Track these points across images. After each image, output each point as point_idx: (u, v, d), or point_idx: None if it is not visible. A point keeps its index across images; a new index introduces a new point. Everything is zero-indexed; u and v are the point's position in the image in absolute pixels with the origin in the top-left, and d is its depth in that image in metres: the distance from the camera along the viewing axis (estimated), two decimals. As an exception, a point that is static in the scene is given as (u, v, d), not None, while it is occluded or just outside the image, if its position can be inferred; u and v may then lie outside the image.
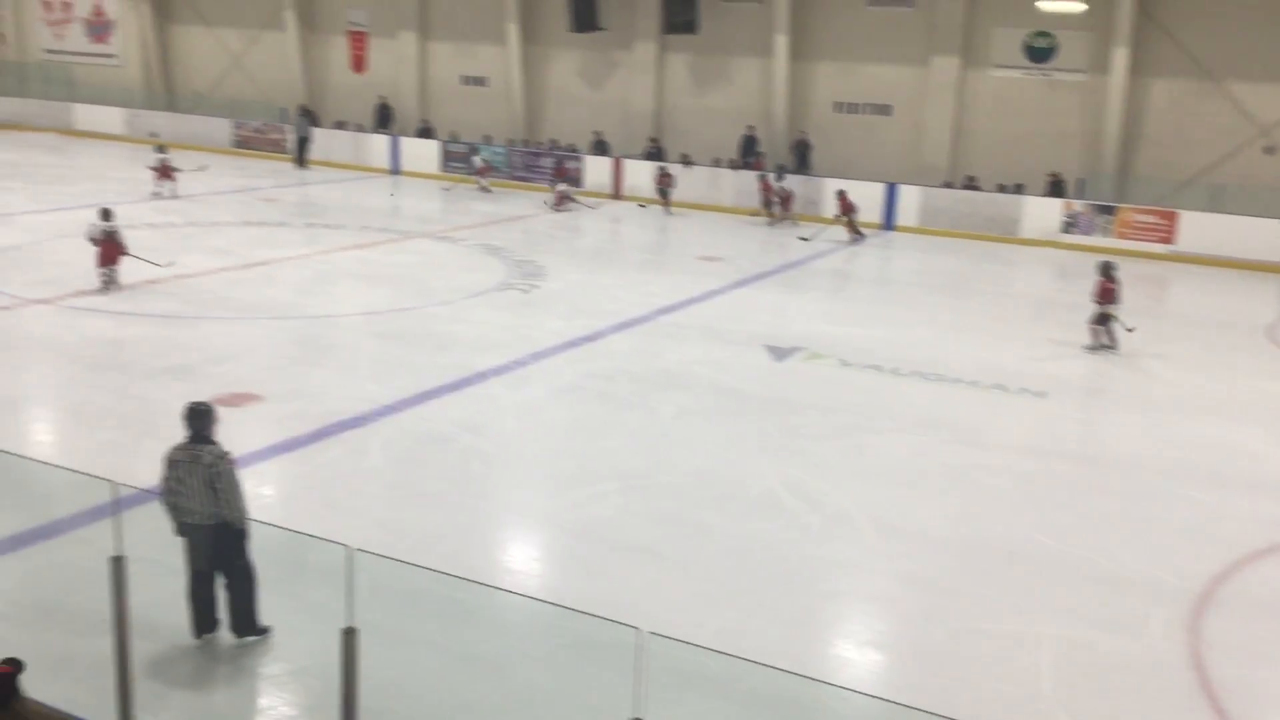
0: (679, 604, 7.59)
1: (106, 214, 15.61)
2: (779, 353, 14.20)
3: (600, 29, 28.33)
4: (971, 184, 25.48)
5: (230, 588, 6.60)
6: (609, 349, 14.12)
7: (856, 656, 7.29)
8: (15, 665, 4.76)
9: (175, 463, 6.50)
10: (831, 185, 25.03)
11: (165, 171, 24.15)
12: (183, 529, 6.53)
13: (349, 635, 4.58)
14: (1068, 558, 8.66)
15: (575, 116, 30.35)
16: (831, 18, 27.14)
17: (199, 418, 6.62)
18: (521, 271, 18.42)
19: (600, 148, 29.16)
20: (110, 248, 15.34)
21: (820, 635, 7.58)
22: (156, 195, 23.72)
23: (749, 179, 26.48)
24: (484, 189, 28.07)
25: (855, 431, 11.47)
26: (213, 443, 6.56)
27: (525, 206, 26.18)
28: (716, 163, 27.62)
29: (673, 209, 26.06)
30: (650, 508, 9.28)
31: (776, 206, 25.17)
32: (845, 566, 8.43)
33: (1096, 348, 14.96)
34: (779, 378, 13.26)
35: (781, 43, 27.26)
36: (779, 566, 8.29)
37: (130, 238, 15.86)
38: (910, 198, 25.26)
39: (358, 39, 32.84)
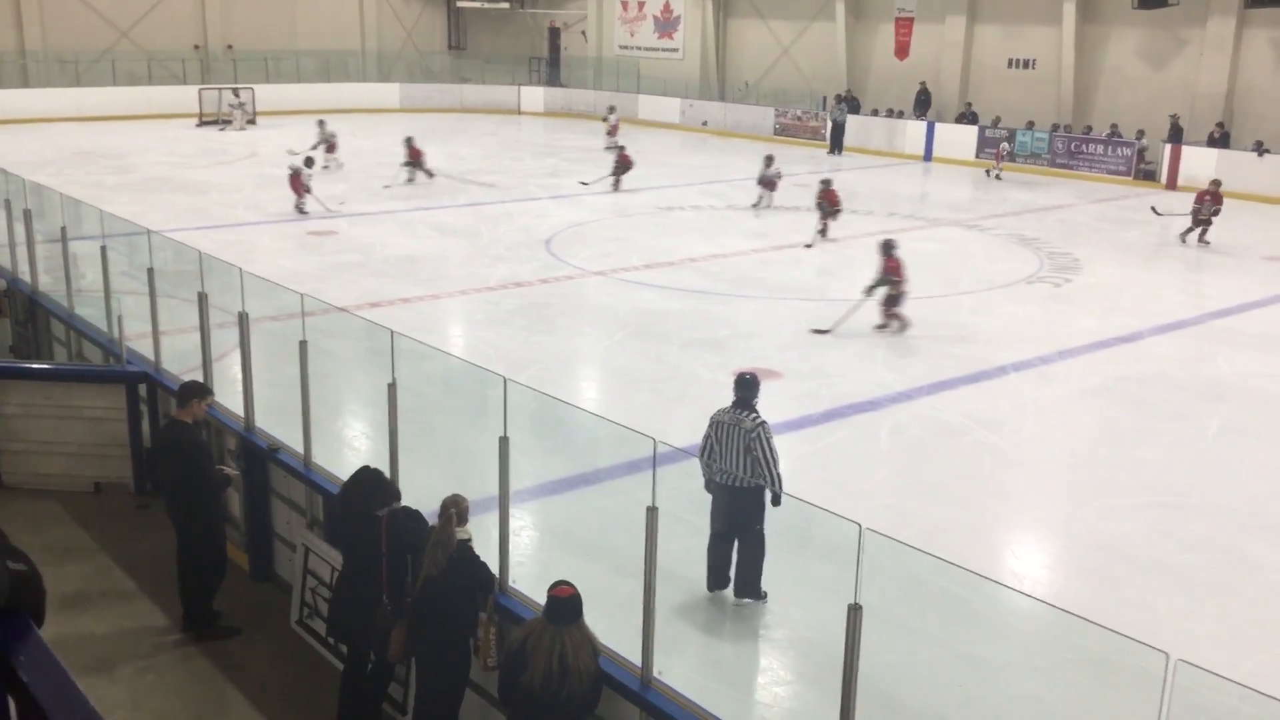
0: (1209, 638, 6.83)
1: (310, 162, 20.90)
2: (1362, 371, 12.22)
3: (1170, 4, 25.94)
4: None
5: (742, 551, 6.96)
6: (1149, 352, 12.97)
7: None
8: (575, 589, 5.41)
9: (718, 424, 7.01)
10: None
11: (614, 130, 29.20)
12: (711, 486, 7.02)
13: (854, 612, 4.63)
14: None
15: (1131, 100, 28.12)
16: None
17: (745, 386, 7.10)
18: (1054, 264, 17.45)
19: (1176, 134, 26.54)
20: (295, 182, 19.95)
21: (1390, 705, 6.43)
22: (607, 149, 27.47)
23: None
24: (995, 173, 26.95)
25: None
26: (754, 410, 6.94)
27: (1065, 195, 24.76)
28: (1298, 151, 24.29)
29: None
30: (1183, 529, 8.42)
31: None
32: None
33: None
34: (1359, 400, 11.41)
35: (1397, 10, 23.29)
36: (1341, 617, 7.17)
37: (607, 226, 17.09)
38: None
39: (904, 25, 32.85)
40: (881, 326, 13.26)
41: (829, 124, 31.77)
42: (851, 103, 32.75)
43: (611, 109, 31.34)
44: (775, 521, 6.96)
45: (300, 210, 19.89)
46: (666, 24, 39.72)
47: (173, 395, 8.98)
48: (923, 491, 8.99)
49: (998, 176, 26.76)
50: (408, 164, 23.70)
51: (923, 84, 31.92)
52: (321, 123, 25.91)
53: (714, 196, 23.28)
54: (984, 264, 17.69)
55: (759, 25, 37.11)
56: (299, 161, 20.61)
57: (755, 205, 21.56)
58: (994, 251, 18.66)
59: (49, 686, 1.25)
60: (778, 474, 6.88)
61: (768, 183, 21.48)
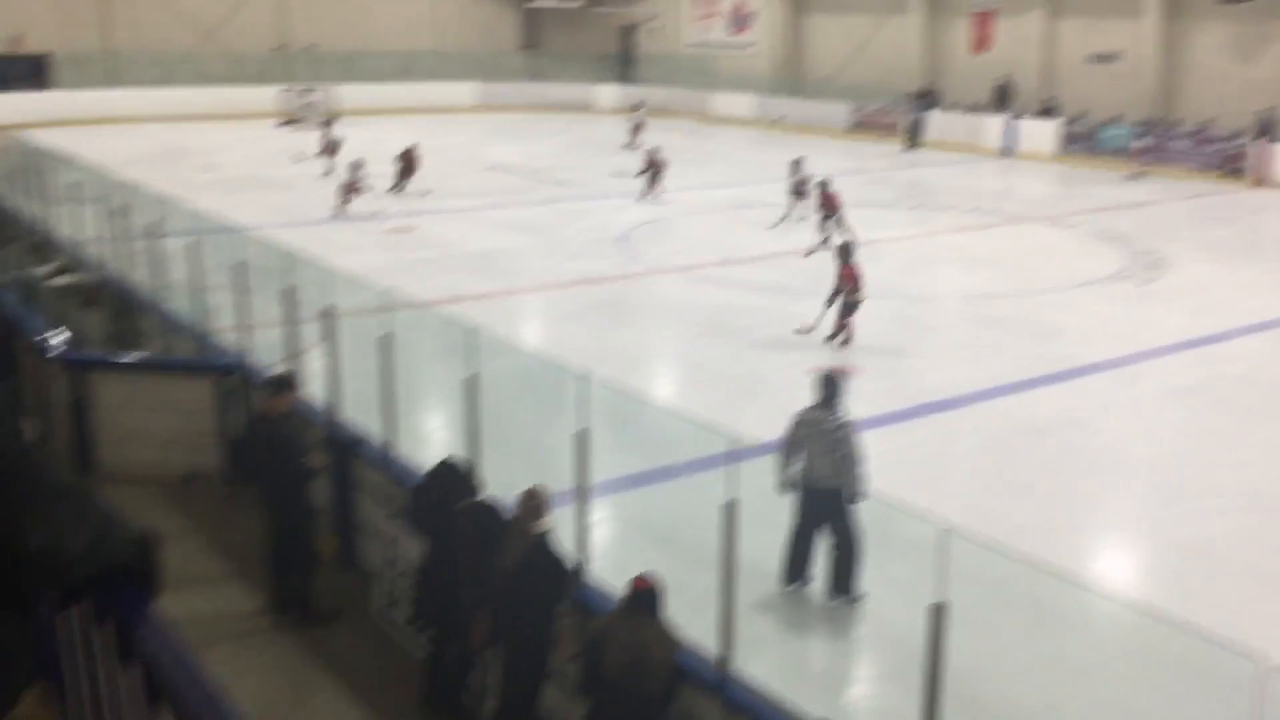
0: (1306, 647, 6.62)
1: (359, 166, 20.17)
2: None
3: (1256, -2, 25.30)
4: None
5: (834, 549, 6.90)
6: (1240, 352, 12.61)
7: None
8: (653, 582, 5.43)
9: (802, 423, 6.93)
10: None
11: (639, 128, 28.96)
12: (794, 486, 6.98)
13: (937, 611, 4.58)
14: None
15: (1219, 94, 27.35)
16: None
17: (829, 385, 7.02)
18: (1142, 261, 17.05)
19: (1266, 130, 25.60)
20: (348, 185, 19.88)
21: None
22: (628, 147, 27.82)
23: None
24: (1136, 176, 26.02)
25: None
26: (837, 410, 6.90)
27: (1151, 191, 24.18)
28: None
29: None
30: (1277, 533, 8.17)
31: None
32: None
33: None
34: None
35: None
36: None
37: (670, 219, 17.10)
38: None
39: (982, 19, 32.34)
40: (831, 337, 12.47)
41: (906, 120, 31.35)
42: (929, 98, 32.33)
43: (637, 106, 30.70)
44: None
45: (342, 211, 19.57)
46: (741, 20, 39.58)
47: (260, 388, 9.19)
48: (1006, 492, 8.85)
49: (1141, 176, 25.62)
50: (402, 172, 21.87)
51: (1002, 78, 31.41)
52: (327, 123, 24.98)
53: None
54: (1068, 261, 17.36)
55: (834, 20, 36.82)
56: (346, 168, 20.47)
57: (783, 217, 19.28)
58: (1078, 248, 18.30)
59: (168, 657, 1.27)
60: (859, 473, 6.81)
61: (799, 190, 19.42)
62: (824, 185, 17.56)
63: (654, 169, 22.14)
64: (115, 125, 31.48)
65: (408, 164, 22.01)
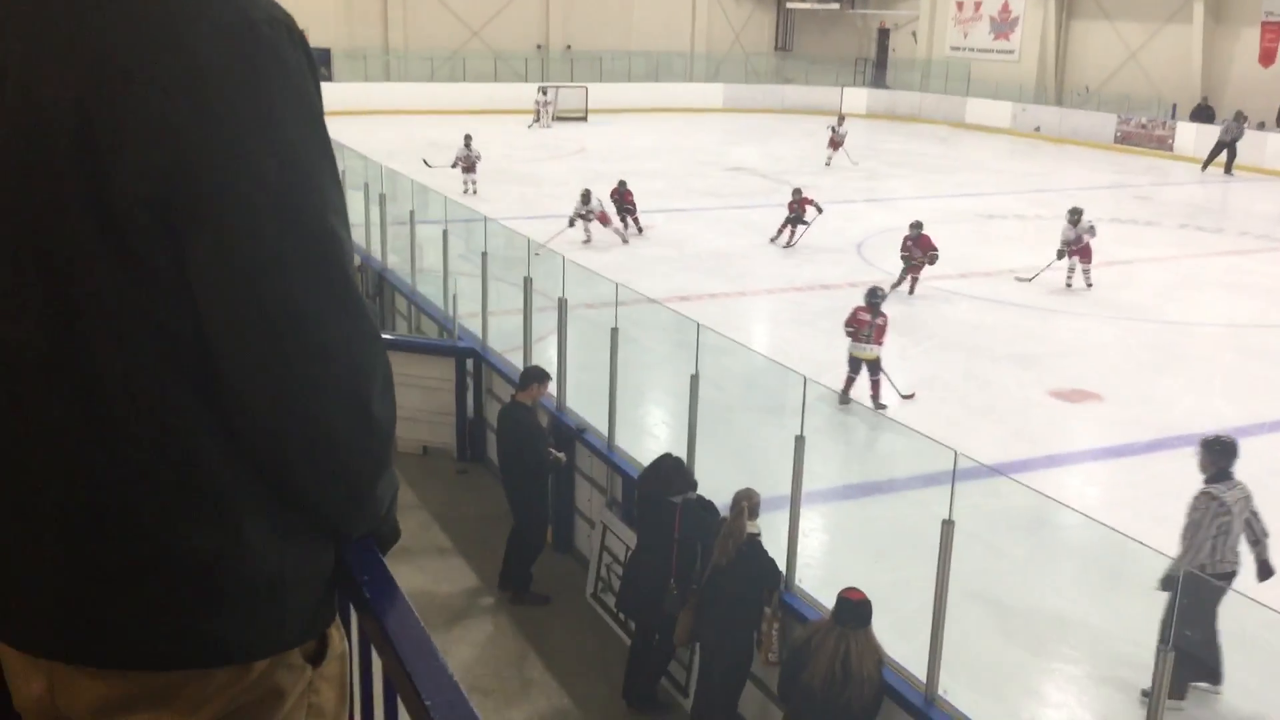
0: None
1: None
2: None
3: None
4: None
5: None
6: None
7: None
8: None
9: (1228, 501, 6.22)
10: None
11: (835, 142, 26.90)
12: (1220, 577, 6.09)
13: (1163, 655, 4.34)
14: None
15: None
16: None
17: (1229, 453, 6.40)
18: None
19: None
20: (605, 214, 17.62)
21: None
22: (828, 164, 26.41)
23: None
24: None
25: None
26: (1237, 478, 6.33)
27: None
28: None
29: None
30: None
31: None
32: None
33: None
34: None
35: None
36: None
37: (979, 228, 16.46)
38: None
39: (1272, 30, 29.89)
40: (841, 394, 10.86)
41: (1224, 137, 27.86)
42: (1206, 111, 30.12)
43: (841, 118, 28.31)
44: (1085, 554, 6.57)
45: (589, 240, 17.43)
46: (1003, 25, 38.13)
47: (498, 373, 9.64)
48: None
49: None
50: (622, 210, 18.18)
51: (1290, 93, 28.97)
52: (468, 138, 23.15)
53: (1042, 206, 22.12)
54: (1351, 294, 15.87)
55: (1105, 26, 34.92)
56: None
57: (1068, 283, 15.46)
58: (1364, 280, 16.70)
59: (388, 605, 1.38)
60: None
61: (1081, 246, 15.43)
62: (918, 226, 15.39)
63: (798, 212, 18.08)
64: (385, 117, 33.51)
65: (628, 202, 18.37)
